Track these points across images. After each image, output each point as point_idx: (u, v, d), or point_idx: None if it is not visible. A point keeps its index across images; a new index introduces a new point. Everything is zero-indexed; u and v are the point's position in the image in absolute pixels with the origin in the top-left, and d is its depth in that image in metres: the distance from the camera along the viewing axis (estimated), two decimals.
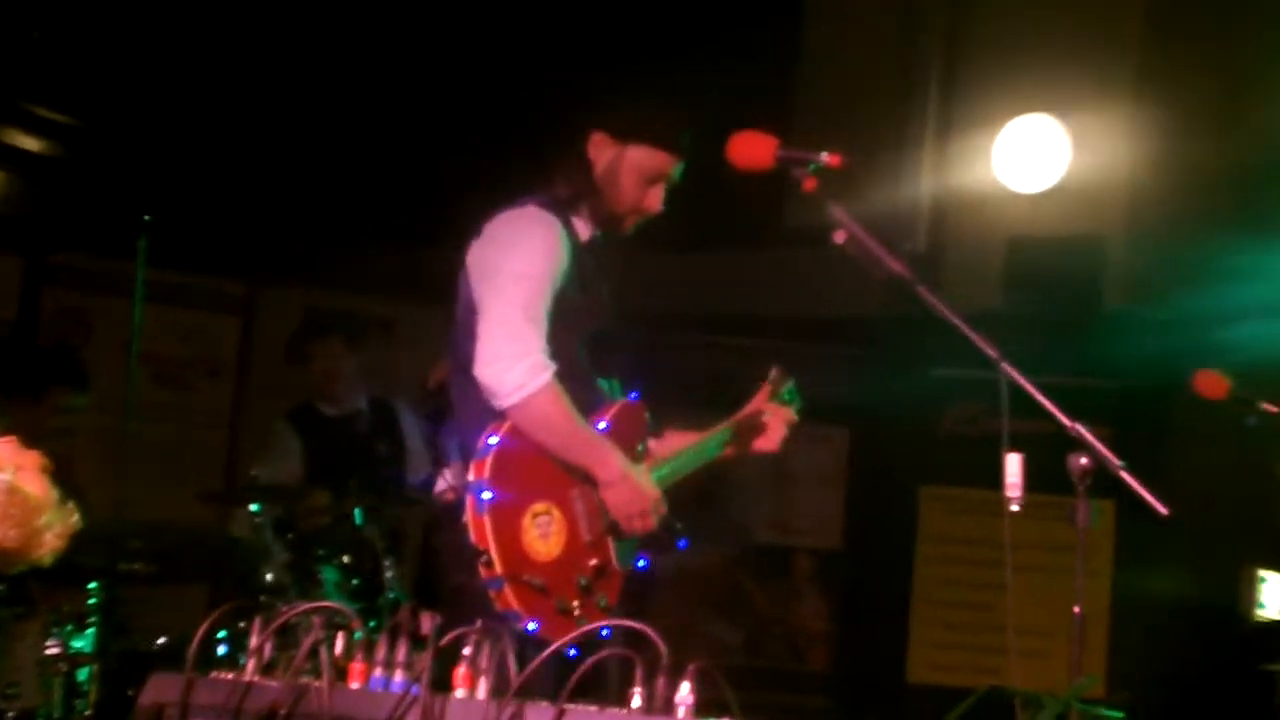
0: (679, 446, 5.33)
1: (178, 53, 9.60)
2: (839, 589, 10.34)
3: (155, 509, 7.93)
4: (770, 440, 5.53)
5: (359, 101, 10.20)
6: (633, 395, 5.19)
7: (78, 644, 6.85)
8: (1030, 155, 9.62)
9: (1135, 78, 9.72)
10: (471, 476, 4.72)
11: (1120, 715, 4.52)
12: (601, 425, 5.02)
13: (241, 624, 5.78)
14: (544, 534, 4.77)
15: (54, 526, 3.95)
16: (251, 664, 3.87)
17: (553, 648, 3.80)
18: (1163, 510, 4.35)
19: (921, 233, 9.87)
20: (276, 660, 3.88)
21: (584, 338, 5.05)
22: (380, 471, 7.92)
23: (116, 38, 9.42)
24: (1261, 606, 9.54)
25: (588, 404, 5.00)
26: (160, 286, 8.80)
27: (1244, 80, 9.99)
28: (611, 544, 4.95)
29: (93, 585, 6.90)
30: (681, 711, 3.59)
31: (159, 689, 3.91)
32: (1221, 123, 9.64)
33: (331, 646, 3.82)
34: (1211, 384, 6.04)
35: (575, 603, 4.78)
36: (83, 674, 6.82)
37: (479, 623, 3.89)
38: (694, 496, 10.37)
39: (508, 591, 4.63)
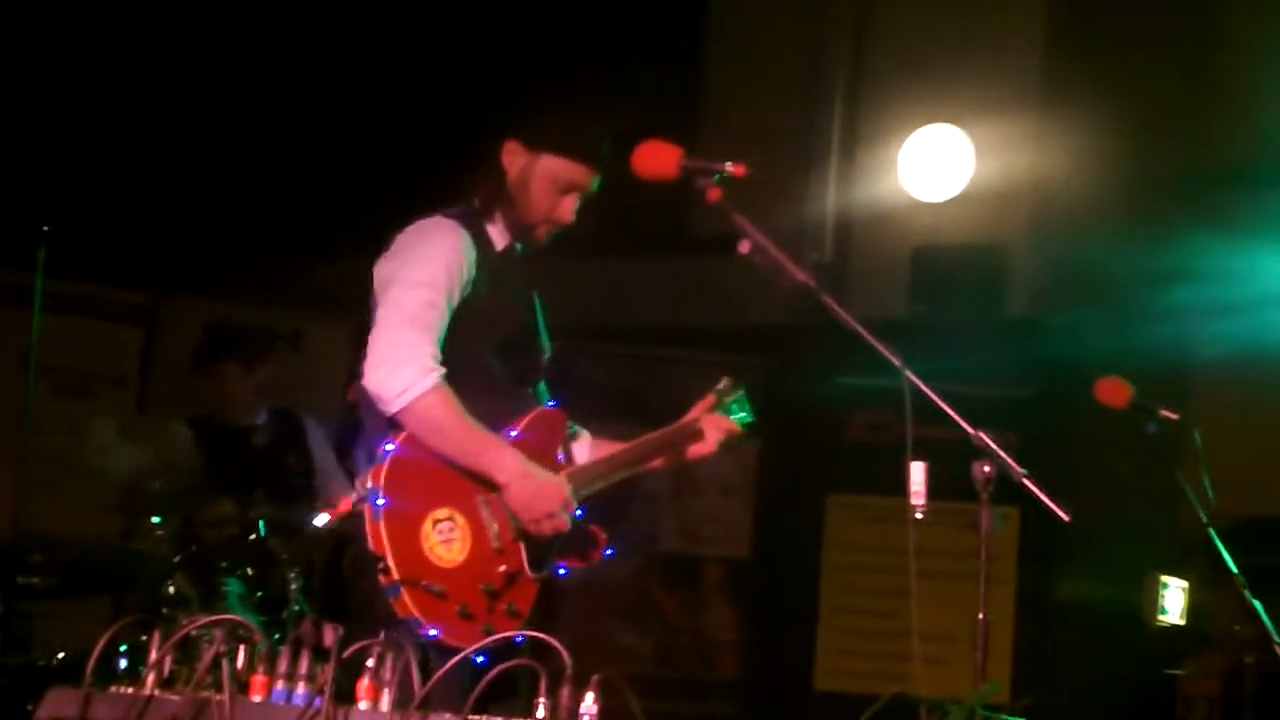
0: (607, 454, 5.29)
1: (78, 61, 9.54)
2: (747, 598, 10.35)
3: (55, 521, 7.85)
4: (705, 446, 5.47)
5: (266, 112, 10.16)
6: (551, 403, 5.17)
7: None
8: (935, 165, 9.68)
9: (1039, 87, 9.80)
10: (369, 484, 4.69)
11: None
12: (513, 433, 4.99)
13: (143, 637, 5.72)
14: (446, 540, 4.74)
15: None
16: (151, 678, 3.84)
17: (456, 659, 3.80)
18: (1065, 517, 4.38)
19: (827, 242, 9.92)
20: (178, 674, 3.86)
21: (500, 346, 5.03)
22: (286, 483, 7.87)
23: (13, 48, 9.35)
24: (1164, 612, 9.62)
25: (503, 413, 4.98)
26: (62, 297, 8.74)
27: (1146, 89, 10.09)
28: (524, 551, 4.91)
29: None
30: None
31: (57, 704, 3.88)
32: (1125, 131, 9.72)
33: (233, 659, 3.80)
34: (1113, 391, 6.08)
35: (480, 609, 4.74)
36: None
37: (382, 634, 3.88)
38: (602, 506, 10.41)
39: (406, 598, 4.60)
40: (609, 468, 5.22)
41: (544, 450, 5.06)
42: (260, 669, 3.81)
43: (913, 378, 4.48)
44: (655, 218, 9.66)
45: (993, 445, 4.40)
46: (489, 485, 4.87)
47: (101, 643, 3.88)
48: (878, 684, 9.11)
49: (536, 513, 4.87)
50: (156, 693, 3.81)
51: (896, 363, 4.50)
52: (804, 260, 4.79)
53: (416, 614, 4.59)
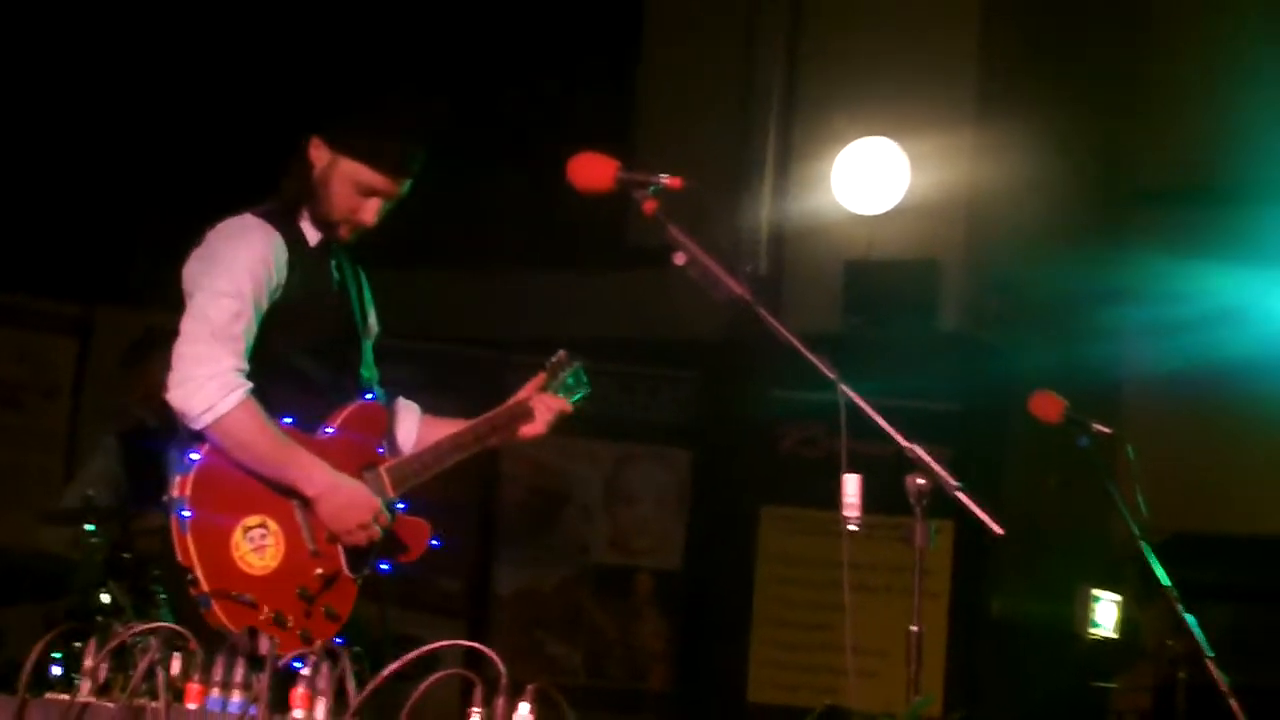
0: (434, 439, 5.25)
1: (8, 70, 9.51)
2: (679, 609, 10.35)
3: None
4: (536, 427, 5.43)
5: (198, 117, 10.14)
6: (369, 395, 5.12)
7: None
8: (869, 178, 9.69)
9: (975, 101, 9.85)
10: (175, 494, 4.65)
11: None
12: (329, 429, 4.95)
13: (76, 645, 5.70)
14: (258, 547, 4.70)
15: None
16: (86, 685, 3.83)
17: (390, 669, 3.79)
18: (998, 530, 4.39)
19: (762, 255, 9.94)
20: (113, 681, 3.85)
21: (314, 344, 4.99)
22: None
23: None
24: (1096, 625, 9.68)
25: (320, 410, 4.96)
26: None
27: (1082, 106, 10.16)
28: (341, 552, 4.88)
29: None
30: None
31: None
32: (1060, 148, 9.79)
33: (168, 667, 3.79)
34: (1046, 405, 6.11)
35: (295, 614, 4.70)
36: None
37: (318, 643, 3.87)
38: (533, 515, 10.42)
39: (216, 609, 4.56)
40: (433, 457, 5.19)
41: (363, 445, 5.03)
42: (195, 677, 3.81)
43: (848, 391, 4.49)
44: (590, 231, 9.68)
45: (927, 458, 4.42)
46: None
47: (37, 650, 3.87)
48: (810, 696, 9.22)
49: (348, 524, 4.85)
50: (92, 700, 3.81)
51: (832, 376, 4.51)
52: (738, 272, 4.76)
53: (227, 624, 4.52)
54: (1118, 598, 9.82)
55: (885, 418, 4.50)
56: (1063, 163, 9.79)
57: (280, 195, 5.06)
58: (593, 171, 4.73)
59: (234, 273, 4.81)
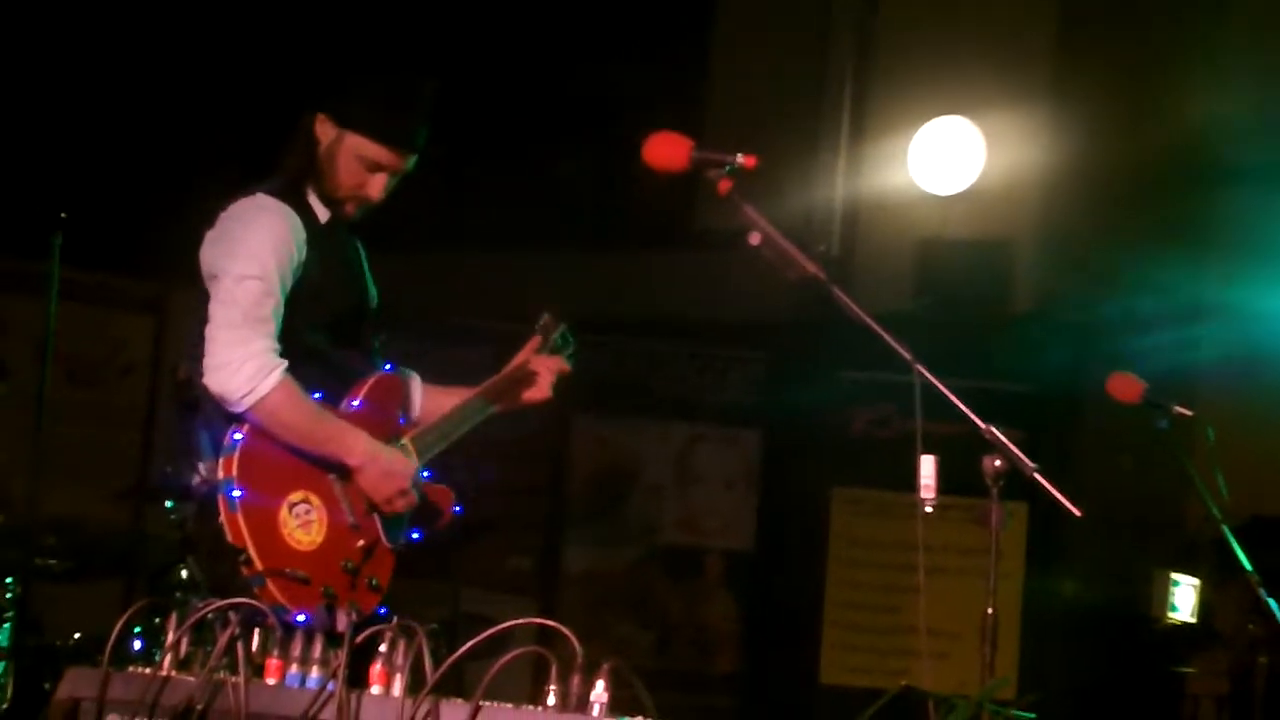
0: (446, 409, 5.28)
1: (91, 50, 9.56)
2: (749, 590, 10.36)
3: (68, 507, 7.88)
4: (539, 390, 5.45)
5: (276, 103, 10.16)
6: (387, 367, 5.15)
7: None
8: (945, 158, 9.65)
9: (1051, 80, 9.79)
10: (221, 474, 4.67)
11: (1031, 716, 4.56)
12: (355, 403, 4.98)
13: (156, 620, 5.75)
14: (304, 523, 4.73)
15: None
16: (168, 659, 3.87)
17: (467, 647, 3.81)
18: (1076, 512, 4.37)
19: (834, 235, 9.91)
20: (192, 656, 3.89)
21: (329, 319, 5.01)
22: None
23: (29, 36, 9.37)
24: (1174, 609, 9.63)
25: (339, 385, 4.99)
26: (74, 285, 8.74)
27: (1159, 84, 10.08)
28: (379, 522, 4.91)
29: (8, 581, 6.88)
30: (596, 710, 3.62)
31: (75, 683, 3.92)
32: (1136, 127, 9.72)
33: (248, 642, 3.83)
34: (1125, 386, 6.07)
35: (343, 588, 4.72)
36: None
37: (394, 620, 3.90)
38: (603, 495, 10.44)
39: (271, 587, 4.57)
40: (452, 424, 5.23)
41: (385, 416, 5.06)
42: (274, 652, 3.84)
43: (924, 372, 4.48)
44: (660, 211, 9.68)
45: (1003, 440, 4.41)
46: (339, 465, 4.89)
47: (120, 624, 3.91)
48: (881, 679, 9.22)
49: (388, 492, 4.88)
50: (173, 674, 3.85)
51: (907, 356, 4.50)
52: (810, 252, 4.75)
53: (283, 601, 4.55)
54: (1196, 581, 9.75)
55: (956, 399, 4.48)
56: (1140, 142, 9.72)
57: (284, 172, 5.05)
58: (668, 151, 4.71)
59: (258, 254, 4.83)
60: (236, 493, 4.62)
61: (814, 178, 9.91)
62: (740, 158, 4.63)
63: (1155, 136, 9.81)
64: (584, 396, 9.55)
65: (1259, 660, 8.47)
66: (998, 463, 4.41)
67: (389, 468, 4.91)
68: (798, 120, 10.11)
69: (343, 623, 3.87)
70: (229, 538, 4.61)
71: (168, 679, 3.83)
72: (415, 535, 5.01)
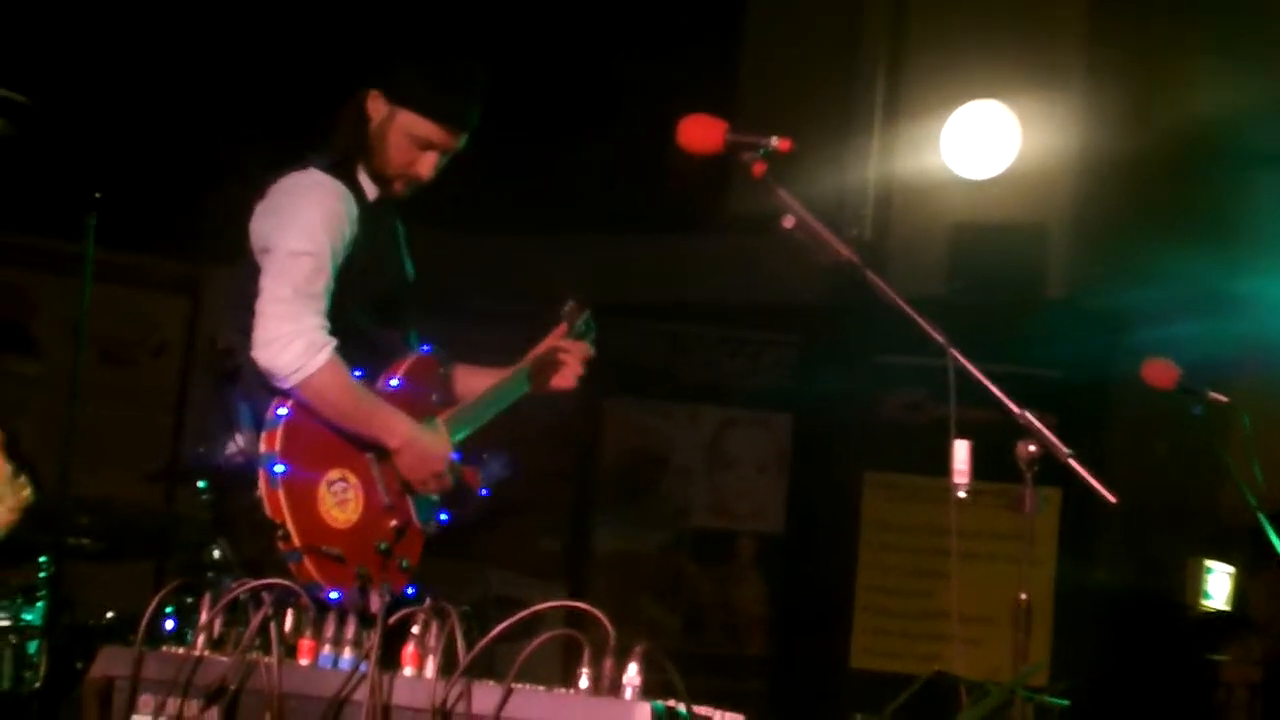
0: (478, 390, 5.33)
1: (127, 29, 9.57)
2: (780, 574, 10.36)
3: (100, 487, 7.90)
4: (566, 377, 5.51)
5: (311, 83, 10.17)
6: (425, 348, 5.19)
7: (27, 617, 6.86)
8: (978, 142, 9.62)
9: (1084, 64, 9.74)
10: (263, 448, 4.71)
11: (1064, 703, 4.56)
12: (394, 382, 5.03)
13: (189, 600, 5.77)
14: (341, 501, 4.77)
15: (5, 500, 3.95)
16: (201, 639, 3.88)
17: (502, 626, 3.81)
18: (1111, 498, 4.36)
19: (867, 218, 9.89)
20: (226, 636, 3.90)
21: (373, 298, 5.04)
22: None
23: (67, 14, 9.38)
24: (1207, 597, 9.61)
25: (379, 363, 5.02)
26: (107, 266, 8.75)
27: (1194, 68, 10.03)
28: (411, 503, 4.97)
29: (42, 560, 6.90)
30: (628, 692, 3.62)
31: (109, 662, 3.93)
32: (1171, 112, 9.68)
33: (281, 623, 3.84)
34: (1160, 373, 6.06)
35: (376, 568, 4.76)
36: (32, 647, 6.82)
37: (427, 601, 3.91)
38: (633, 478, 10.44)
39: (307, 564, 4.62)
40: (483, 407, 5.28)
41: (422, 395, 5.10)
42: (307, 633, 3.85)
43: (958, 356, 4.47)
44: (692, 193, 9.67)
45: (1038, 425, 4.39)
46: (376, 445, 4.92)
47: (153, 604, 3.92)
48: (911, 663, 9.20)
49: (424, 474, 4.94)
50: (206, 653, 3.85)
51: (941, 340, 4.49)
52: (843, 235, 4.75)
53: (318, 578, 4.61)
54: (1230, 569, 9.73)
55: (990, 383, 4.47)
56: (1174, 127, 9.67)
57: (335, 148, 5.08)
58: (702, 133, 4.71)
59: (311, 230, 4.86)
60: (279, 468, 4.66)
61: (847, 161, 9.88)
62: (774, 140, 4.62)
63: (1190, 122, 9.76)
64: (615, 380, 9.55)
65: None
66: (1032, 448, 4.39)
67: (428, 450, 4.96)
68: (831, 104, 10.08)
69: (375, 604, 3.87)
70: (267, 512, 4.65)
71: (201, 659, 3.84)
72: (444, 518, 5.06)
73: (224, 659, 3.83)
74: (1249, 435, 5.97)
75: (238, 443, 4.85)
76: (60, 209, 7.64)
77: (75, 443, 7.00)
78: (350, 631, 3.84)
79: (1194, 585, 9.59)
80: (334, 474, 4.79)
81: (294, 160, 5.07)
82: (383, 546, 4.80)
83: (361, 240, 4.97)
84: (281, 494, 4.65)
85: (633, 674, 3.63)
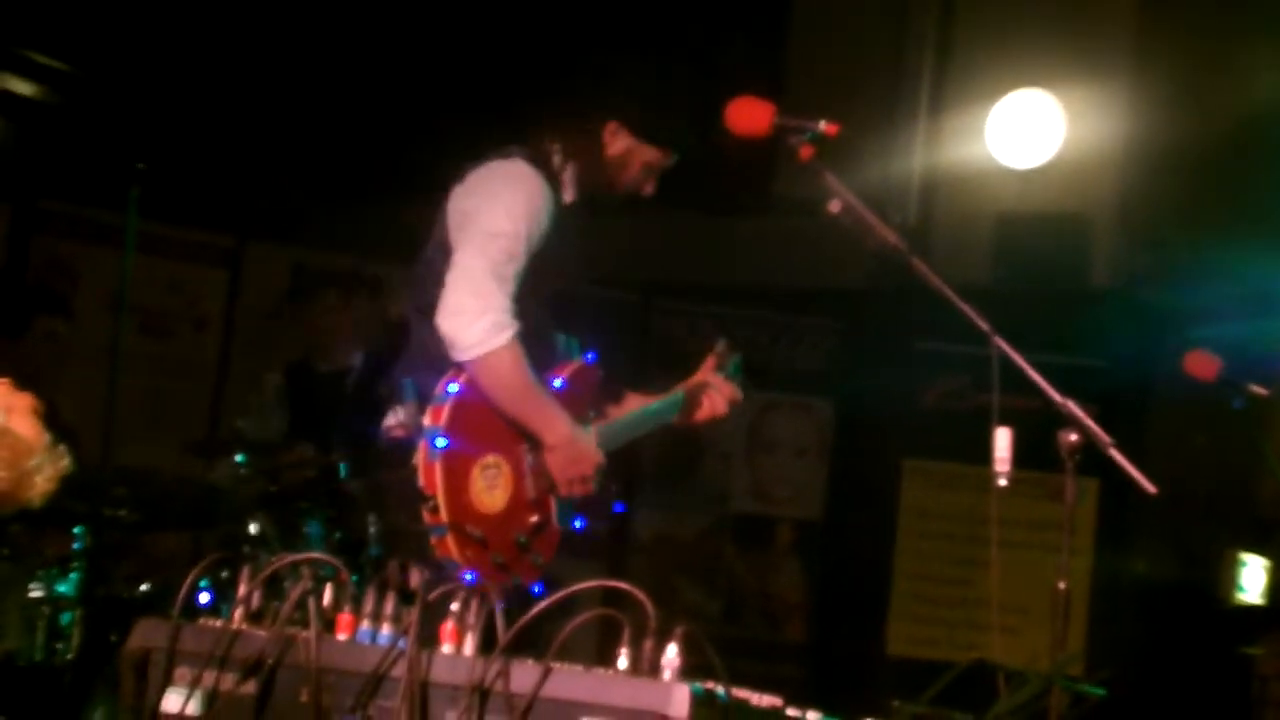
0: (627, 409, 5.39)
1: (173, 3, 9.58)
2: (819, 560, 10.35)
3: (138, 458, 7.94)
4: (709, 412, 5.55)
5: (354, 57, 10.18)
6: (590, 356, 5.23)
7: (61, 588, 6.88)
8: (1024, 131, 9.60)
9: (1131, 53, 9.71)
10: (428, 421, 4.76)
11: (1102, 692, 4.54)
12: (558, 383, 5.07)
13: (224, 574, 5.78)
14: (490, 486, 4.82)
15: (44, 469, 3.95)
16: (239, 612, 3.88)
17: (540, 607, 3.81)
18: (1151, 489, 4.34)
19: (911, 206, 9.87)
20: (265, 610, 3.90)
21: (546, 295, 5.08)
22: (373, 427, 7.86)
23: None
24: (1242, 590, 9.58)
25: (543, 360, 5.04)
26: (148, 237, 8.78)
27: (1243, 58, 9.98)
28: (554, 502, 5.01)
29: (77, 530, 6.92)
30: (667, 674, 3.61)
31: (145, 634, 3.92)
32: (1218, 103, 9.63)
33: (320, 597, 3.84)
34: (1202, 364, 6.03)
35: (512, 559, 4.83)
36: (65, 618, 6.85)
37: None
38: (674, 461, 10.42)
39: (449, 540, 4.68)
40: (627, 425, 5.33)
41: (582, 402, 5.15)
42: (346, 608, 3.85)
43: (1002, 344, 4.46)
44: (738, 176, 9.65)
45: (1080, 414, 4.37)
46: (531, 437, 4.96)
47: (193, 576, 3.92)
48: (949, 651, 9.20)
49: (573, 475, 4.97)
50: (244, 627, 3.85)
51: (986, 328, 4.48)
52: (888, 222, 4.74)
53: (456, 556, 4.67)
54: (1265, 562, 9.70)
55: (1033, 372, 4.46)
56: (1221, 118, 9.62)
57: (545, 149, 5.15)
58: (750, 116, 4.71)
59: (513, 215, 4.94)
60: (441, 441, 4.73)
61: (892, 149, 9.87)
62: (823, 124, 4.63)
63: (1238, 113, 9.70)
64: (656, 361, 9.54)
65: None
66: (1074, 437, 4.38)
67: (583, 452, 5.00)
68: (877, 92, 10.07)
69: (415, 579, 3.87)
70: (420, 482, 4.71)
71: (239, 632, 3.84)
72: (579, 523, 5.11)
73: (261, 633, 3.82)
74: None
75: (398, 415, 4.91)
76: (104, 179, 7.66)
77: (115, 413, 7.03)
78: (389, 607, 3.83)
79: (1228, 578, 9.56)
80: (489, 459, 4.85)
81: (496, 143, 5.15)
82: (521, 539, 4.87)
83: (552, 237, 5.03)
84: (439, 467, 4.72)
85: (672, 655, 3.62)
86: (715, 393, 5.53)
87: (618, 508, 5.27)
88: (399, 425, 4.89)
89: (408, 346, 5.10)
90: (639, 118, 5.17)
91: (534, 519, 4.92)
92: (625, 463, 5.28)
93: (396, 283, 10.13)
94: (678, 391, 5.50)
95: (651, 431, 5.42)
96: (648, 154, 5.18)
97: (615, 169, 5.17)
